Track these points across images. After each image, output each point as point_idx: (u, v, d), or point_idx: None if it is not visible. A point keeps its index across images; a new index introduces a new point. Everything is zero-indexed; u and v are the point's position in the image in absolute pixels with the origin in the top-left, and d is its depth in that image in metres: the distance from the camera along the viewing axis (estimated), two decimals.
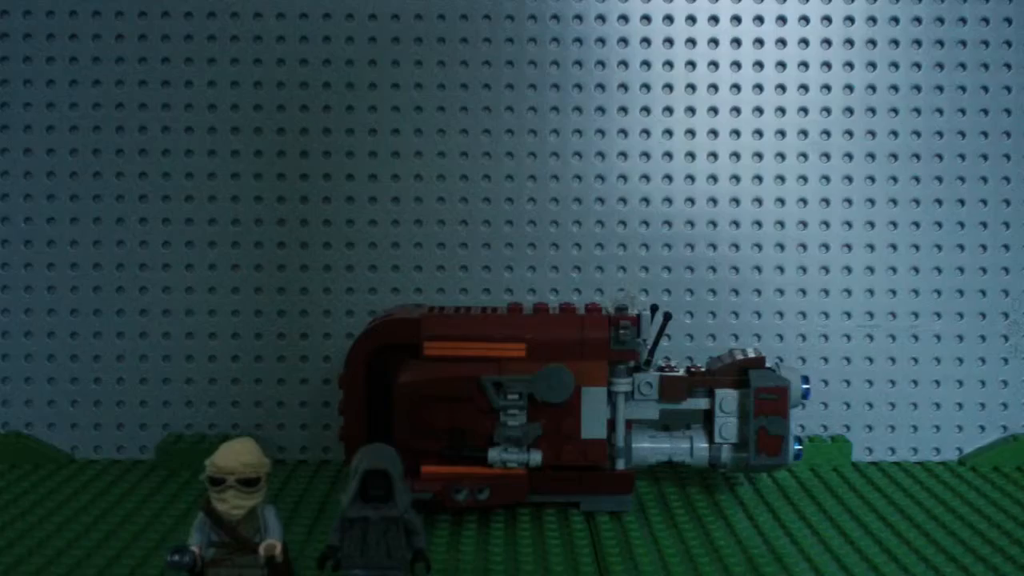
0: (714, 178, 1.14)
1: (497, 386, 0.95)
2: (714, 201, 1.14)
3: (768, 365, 1.00)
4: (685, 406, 1.00)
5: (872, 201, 1.14)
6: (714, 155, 1.14)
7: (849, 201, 1.14)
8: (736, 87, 1.13)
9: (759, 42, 1.13)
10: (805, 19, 1.13)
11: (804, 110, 1.13)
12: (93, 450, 1.14)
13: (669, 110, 1.14)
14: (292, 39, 1.12)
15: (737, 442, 1.00)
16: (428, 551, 0.76)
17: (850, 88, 1.13)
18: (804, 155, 1.14)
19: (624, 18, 1.13)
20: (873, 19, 1.13)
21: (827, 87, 1.13)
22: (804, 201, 1.14)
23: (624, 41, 1.13)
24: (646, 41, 1.13)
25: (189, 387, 1.14)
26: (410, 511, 0.74)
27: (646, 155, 1.14)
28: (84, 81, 1.12)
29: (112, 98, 1.12)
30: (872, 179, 1.14)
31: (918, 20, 1.13)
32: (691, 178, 1.14)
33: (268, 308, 1.14)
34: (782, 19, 1.13)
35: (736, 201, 1.14)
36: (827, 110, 1.13)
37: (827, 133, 1.14)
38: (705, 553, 0.89)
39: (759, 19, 1.13)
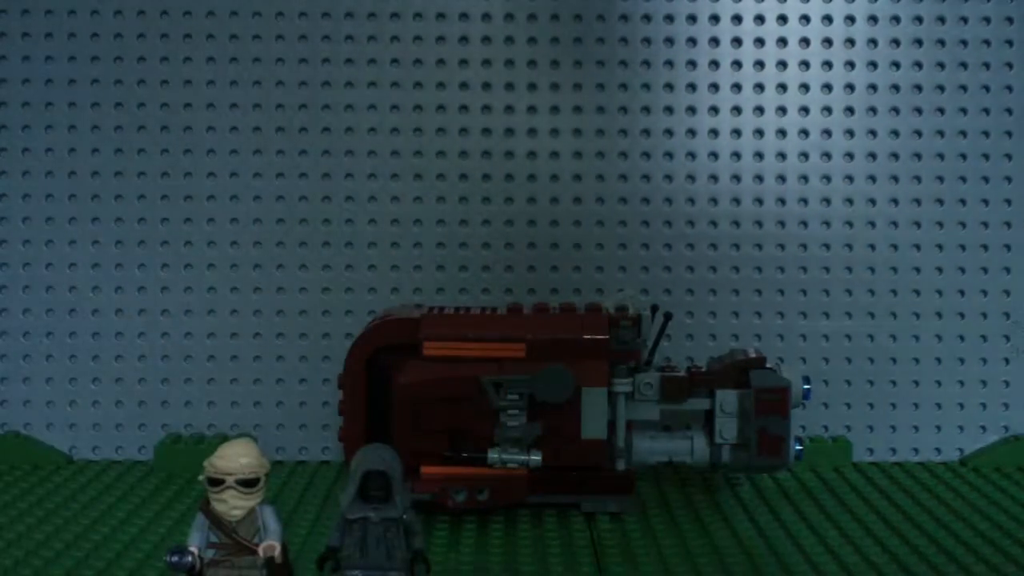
0: (715, 178, 1.14)
1: (497, 386, 0.95)
2: (715, 201, 1.14)
3: (769, 365, 1.00)
4: (686, 406, 1.00)
5: (873, 201, 1.14)
6: (715, 155, 1.13)
7: (850, 201, 1.14)
8: (737, 86, 1.13)
9: (760, 41, 1.13)
10: (806, 18, 1.13)
11: (805, 109, 1.13)
12: (91, 450, 1.14)
13: (670, 110, 1.13)
14: (291, 37, 1.12)
15: (738, 442, 0.99)
16: (428, 552, 0.75)
17: (851, 87, 1.13)
18: (805, 155, 1.13)
19: (624, 18, 1.13)
20: (874, 18, 1.13)
21: (828, 86, 1.13)
22: (805, 201, 1.14)
23: (624, 41, 1.13)
24: (647, 41, 1.13)
25: (188, 387, 1.14)
26: (410, 512, 0.74)
27: (646, 155, 1.13)
28: (82, 80, 1.12)
29: (110, 97, 1.12)
30: (873, 179, 1.14)
31: (919, 19, 1.13)
32: (692, 178, 1.14)
33: (267, 308, 1.13)
34: (783, 18, 1.13)
35: (737, 201, 1.14)
36: (828, 109, 1.13)
37: (828, 133, 1.13)
38: (706, 554, 0.88)
39: (760, 18, 1.13)
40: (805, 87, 1.13)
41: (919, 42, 1.13)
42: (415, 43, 1.12)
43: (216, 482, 0.72)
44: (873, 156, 1.13)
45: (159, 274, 1.13)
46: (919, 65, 1.13)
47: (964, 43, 1.12)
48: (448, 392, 0.95)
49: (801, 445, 1.00)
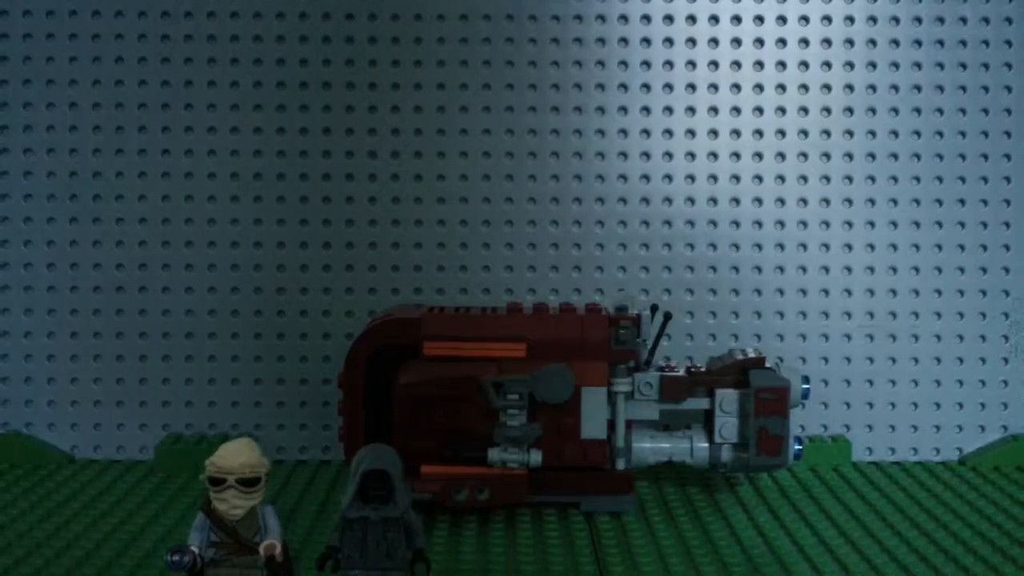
0: (714, 178, 1.14)
1: (497, 386, 0.95)
2: (714, 201, 1.14)
3: (768, 365, 1.00)
4: (685, 406, 1.00)
5: (872, 201, 1.14)
6: (714, 155, 1.14)
7: (849, 201, 1.14)
8: (736, 87, 1.13)
9: (759, 42, 1.13)
10: (805, 19, 1.13)
11: (804, 110, 1.13)
12: (93, 450, 1.14)
13: (669, 110, 1.13)
14: (292, 39, 1.12)
15: (737, 442, 1.00)
16: (428, 552, 0.75)
17: (850, 88, 1.13)
18: (804, 155, 1.14)
19: (624, 18, 1.13)
20: (873, 19, 1.13)
21: (827, 87, 1.13)
22: (804, 201, 1.14)
23: (624, 41, 1.13)
24: (646, 41, 1.13)
25: (189, 387, 1.14)
26: (410, 511, 0.74)
27: (646, 155, 1.14)
28: (84, 81, 1.12)
29: (112, 98, 1.12)
30: (872, 179, 1.14)
31: (918, 20, 1.13)
32: (691, 178, 1.14)
33: (268, 308, 1.14)
34: (782, 19, 1.13)
35: (736, 201, 1.14)
36: (827, 110, 1.13)
37: (827, 133, 1.14)
38: (705, 553, 0.88)
39: (759, 19, 1.13)
40: (804, 87, 1.13)
41: (918, 43, 1.13)
42: (415, 44, 1.13)
43: (217, 481, 0.73)
44: (872, 156, 1.14)
45: (160, 275, 1.13)
46: (918, 65, 1.13)
47: (963, 43, 1.13)
48: (448, 392, 0.96)
49: (800, 444, 1.00)
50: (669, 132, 1.13)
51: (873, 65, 1.13)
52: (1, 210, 1.13)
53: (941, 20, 1.13)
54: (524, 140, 1.13)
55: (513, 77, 1.13)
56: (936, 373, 1.14)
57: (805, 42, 1.13)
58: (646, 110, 1.13)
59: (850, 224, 1.14)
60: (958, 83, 1.13)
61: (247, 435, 0.88)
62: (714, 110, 1.13)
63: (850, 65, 1.13)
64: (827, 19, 1.13)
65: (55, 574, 0.84)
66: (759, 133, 1.14)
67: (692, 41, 1.13)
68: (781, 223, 1.14)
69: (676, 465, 1.02)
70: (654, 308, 0.99)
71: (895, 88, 1.13)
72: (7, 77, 1.12)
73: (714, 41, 1.13)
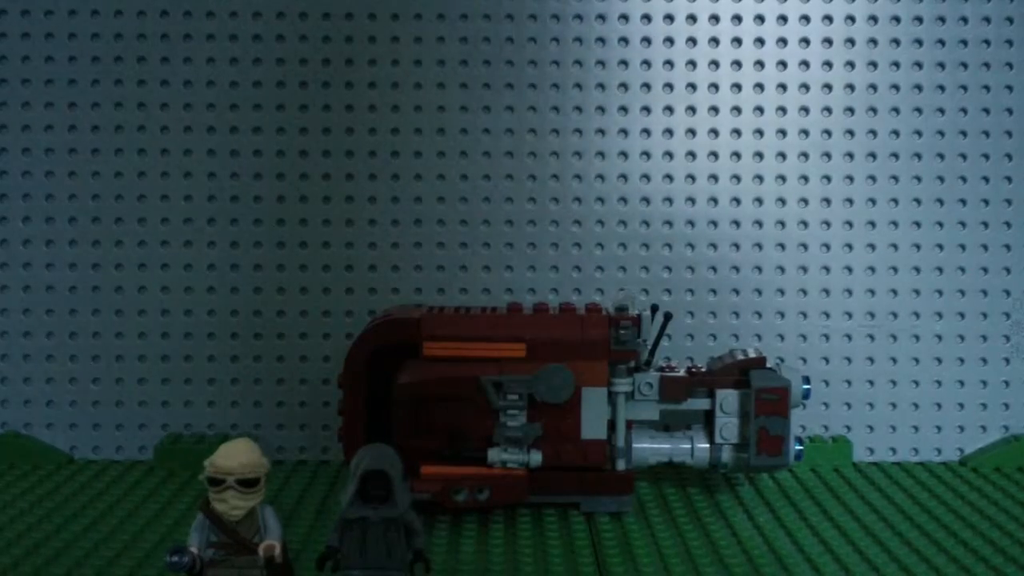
0: (715, 178, 1.14)
1: (497, 386, 0.95)
2: (715, 201, 1.14)
3: (769, 365, 1.00)
4: (686, 406, 1.00)
5: (873, 200, 1.14)
6: (715, 154, 1.14)
7: (850, 201, 1.14)
8: (737, 86, 1.13)
9: (760, 41, 1.13)
10: (806, 18, 1.13)
11: (805, 109, 1.13)
12: (92, 450, 1.14)
13: (670, 109, 1.13)
14: (292, 39, 1.12)
15: (738, 442, 1.00)
16: (428, 552, 0.75)
17: (851, 87, 1.13)
18: (805, 155, 1.14)
19: (624, 17, 1.13)
20: (874, 18, 1.13)
21: (828, 86, 1.13)
22: (805, 201, 1.14)
23: (624, 40, 1.13)
24: (646, 40, 1.13)
25: (188, 387, 1.14)
26: (410, 511, 0.74)
27: (646, 155, 1.13)
28: (82, 80, 1.12)
29: (111, 98, 1.12)
30: (873, 178, 1.14)
31: (919, 19, 1.13)
32: (692, 178, 1.14)
33: (267, 308, 1.14)
34: (783, 18, 1.13)
35: (737, 201, 1.14)
36: (828, 109, 1.13)
37: (828, 132, 1.13)
38: (705, 554, 0.88)
39: (760, 18, 1.13)
40: (805, 87, 1.13)
41: (919, 42, 1.13)
42: (415, 43, 1.12)
43: (216, 482, 0.73)
44: (873, 156, 1.13)
45: (159, 275, 1.13)
46: (919, 65, 1.13)
47: (964, 43, 1.12)
48: (448, 392, 0.95)
49: (801, 445, 1.00)
50: (669, 132, 1.13)
51: (874, 64, 1.13)
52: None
53: (942, 20, 1.12)
54: (524, 140, 1.13)
55: (513, 77, 1.13)
56: (937, 373, 1.14)
57: (806, 41, 1.13)
58: (646, 110, 1.13)
59: (851, 224, 1.14)
60: (959, 82, 1.13)
61: (247, 435, 0.88)
62: (715, 110, 1.13)
63: (851, 64, 1.13)
64: (828, 19, 1.13)
65: (55, 574, 0.84)
66: (760, 133, 1.14)
67: (692, 40, 1.13)
68: (782, 223, 1.14)
69: (676, 465, 1.02)
70: (654, 308, 0.99)
71: (896, 88, 1.13)
72: (6, 76, 1.12)
73: (715, 40, 1.13)
